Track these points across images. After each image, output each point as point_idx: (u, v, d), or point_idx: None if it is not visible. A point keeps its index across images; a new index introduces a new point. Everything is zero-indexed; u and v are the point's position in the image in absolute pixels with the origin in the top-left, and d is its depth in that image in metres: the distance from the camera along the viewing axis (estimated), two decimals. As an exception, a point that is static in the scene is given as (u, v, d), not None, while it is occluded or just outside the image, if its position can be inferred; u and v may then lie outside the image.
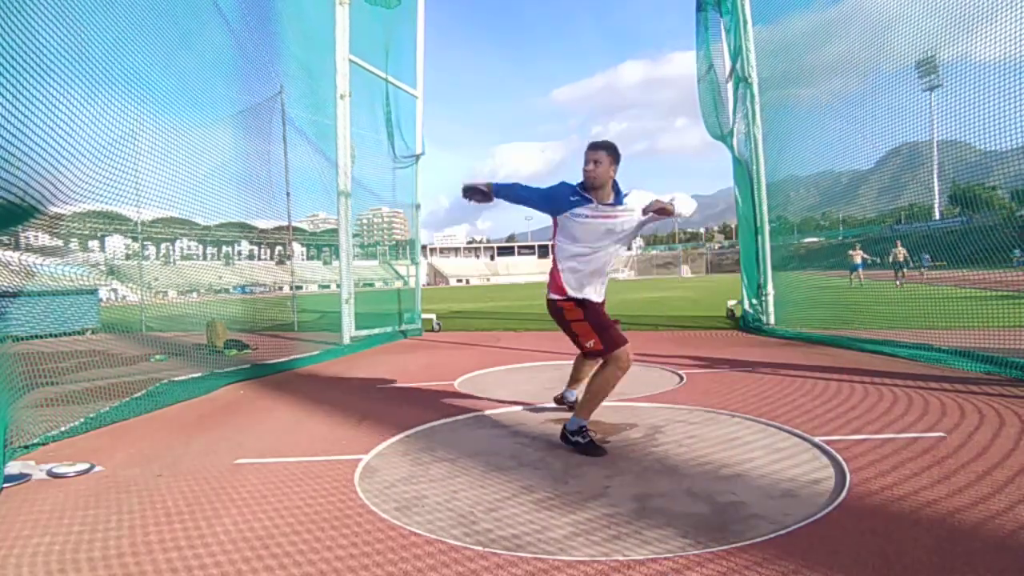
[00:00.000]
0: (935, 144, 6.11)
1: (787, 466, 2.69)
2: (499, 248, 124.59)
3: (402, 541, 2.07)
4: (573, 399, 3.86)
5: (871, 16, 6.27)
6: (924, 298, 6.93)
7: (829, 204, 8.35)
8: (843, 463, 2.64)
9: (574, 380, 3.83)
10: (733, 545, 1.92)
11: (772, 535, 1.97)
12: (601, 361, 3.21)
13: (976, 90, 4.62)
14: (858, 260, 14.18)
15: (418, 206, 9.95)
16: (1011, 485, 2.30)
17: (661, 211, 3.03)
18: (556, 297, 3.19)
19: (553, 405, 4.07)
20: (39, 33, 3.49)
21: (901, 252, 9.95)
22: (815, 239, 9.60)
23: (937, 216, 7.45)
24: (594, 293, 3.18)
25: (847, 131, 6.63)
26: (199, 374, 5.35)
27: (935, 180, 6.38)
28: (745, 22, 7.98)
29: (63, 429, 3.66)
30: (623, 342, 3.09)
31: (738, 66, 8.21)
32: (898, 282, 11.10)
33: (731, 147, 8.78)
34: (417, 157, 9.61)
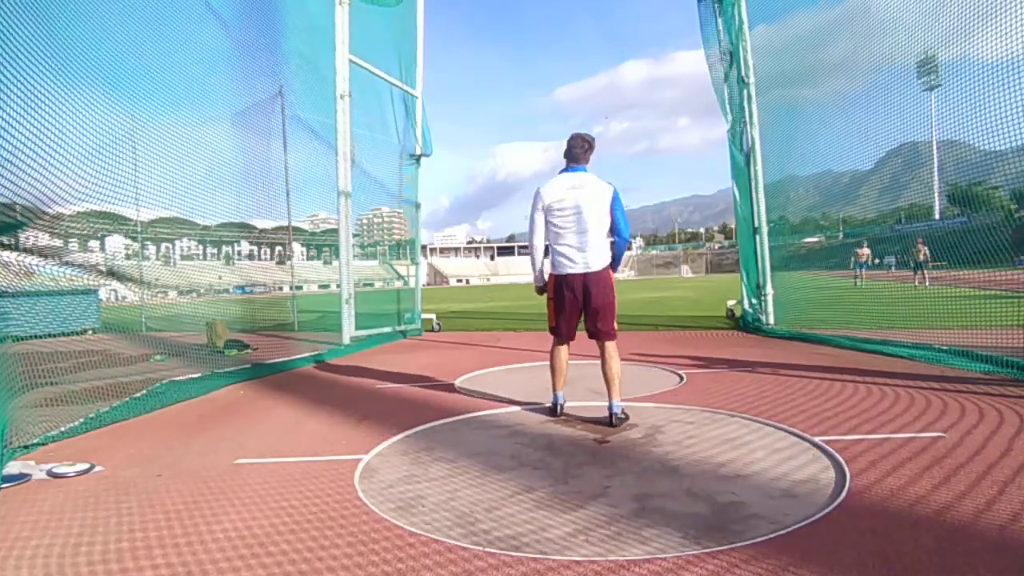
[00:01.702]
0: (935, 144, 6.10)
1: (787, 466, 2.69)
2: (499, 248, 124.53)
3: (401, 541, 2.07)
4: (561, 399, 3.88)
5: (870, 16, 6.27)
6: (924, 298, 6.92)
7: (829, 204, 8.35)
8: (843, 463, 2.64)
9: (563, 381, 3.88)
10: (733, 545, 1.91)
11: (772, 535, 1.97)
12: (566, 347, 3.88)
13: (976, 90, 4.62)
14: (863, 259, 13.83)
15: (418, 206, 9.95)
16: (1011, 485, 2.30)
17: None
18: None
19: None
20: (40, 32, 3.49)
21: (922, 251, 9.63)
22: (815, 239, 9.60)
23: (937, 216, 7.45)
24: None
25: (847, 131, 6.63)
26: (199, 374, 5.35)
27: (935, 180, 6.38)
28: (741, 22, 7.97)
29: (63, 429, 3.66)
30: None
31: (735, 67, 8.21)
32: (917, 283, 10.77)
33: (731, 145, 8.77)
34: (418, 158, 9.61)
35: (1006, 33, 4.19)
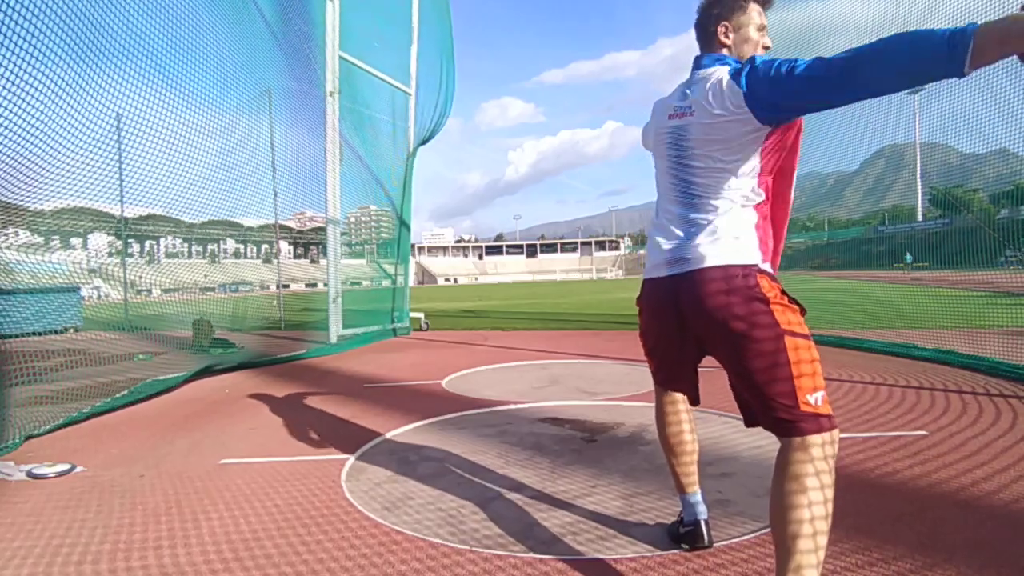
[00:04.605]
0: (917, 146, 6.20)
1: (772, 465, 2.70)
2: (487, 247, 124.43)
3: (388, 540, 2.06)
4: (701, 515, 1.92)
5: (856, 19, 6.35)
6: (909, 297, 7.01)
7: (814, 205, 8.45)
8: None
9: (686, 470, 1.92)
10: (720, 543, 1.93)
11: (757, 533, 1.99)
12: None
13: (958, 93, 4.69)
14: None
15: (408, 203, 9.90)
16: (991, 482, 2.33)
17: None
18: (752, 264, 1.50)
19: (540, 404, 4.07)
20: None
21: None
22: (800, 240, 9.71)
23: (920, 218, 7.56)
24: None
25: (832, 133, 6.71)
26: (183, 373, 5.29)
27: (918, 183, 6.48)
28: None
29: (44, 429, 3.60)
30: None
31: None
32: None
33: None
34: (413, 153, 9.57)
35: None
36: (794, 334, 1.43)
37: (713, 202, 1.53)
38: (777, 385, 1.42)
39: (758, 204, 1.54)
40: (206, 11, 6.02)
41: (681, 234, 1.57)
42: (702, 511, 1.92)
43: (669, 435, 1.91)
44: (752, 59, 1.47)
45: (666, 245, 1.60)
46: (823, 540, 1.34)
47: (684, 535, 1.92)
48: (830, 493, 1.36)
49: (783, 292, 1.49)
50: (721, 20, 1.61)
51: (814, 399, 1.40)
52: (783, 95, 1.37)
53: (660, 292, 1.64)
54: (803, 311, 1.49)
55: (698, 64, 1.62)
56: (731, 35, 1.61)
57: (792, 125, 1.53)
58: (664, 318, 1.67)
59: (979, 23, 1.10)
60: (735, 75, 1.45)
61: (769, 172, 1.54)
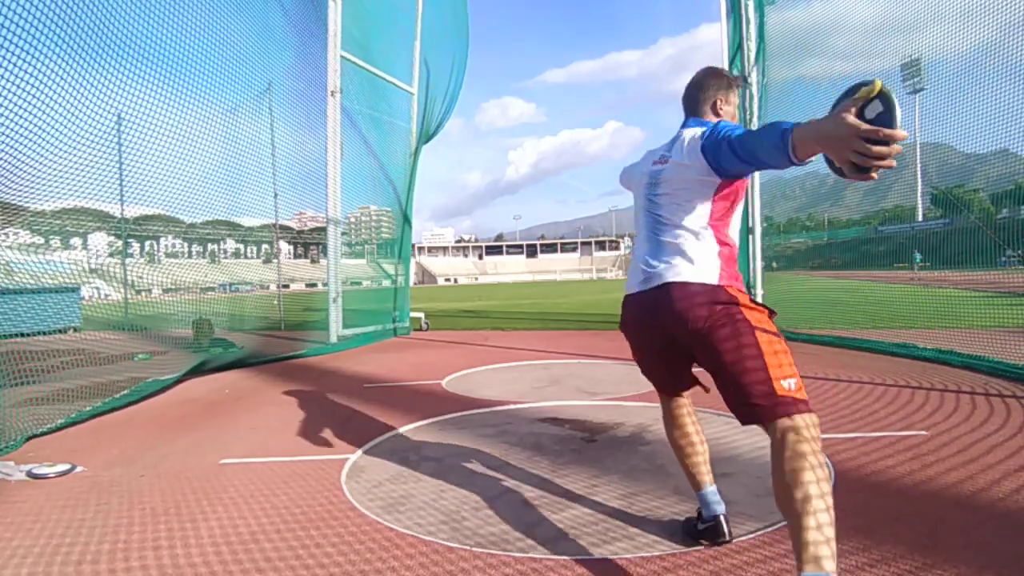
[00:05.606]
0: (917, 146, 6.19)
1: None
2: (487, 247, 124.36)
3: (388, 541, 2.06)
4: (719, 510, 1.96)
5: (859, 19, 6.34)
6: (909, 297, 7.00)
7: (814, 205, 8.44)
8: (827, 461, 2.66)
9: (698, 469, 1.99)
10: (719, 543, 1.93)
11: (757, 533, 1.99)
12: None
13: (959, 93, 4.69)
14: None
15: (411, 204, 9.89)
16: (991, 482, 2.33)
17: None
18: (725, 283, 1.70)
19: (540, 404, 4.07)
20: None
21: None
22: (800, 240, 9.69)
23: (920, 218, 7.56)
24: None
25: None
26: (183, 373, 5.29)
27: (918, 182, 6.47)
28: (748, 21, 7.87)
29: (44, 429, 3.60)
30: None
31: (736, 65, 8.17)
32: None
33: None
34: (416, 151, 9.55)
35: (985, 35, 4.26)
36: (764, 330, 1.64)
37: (678, 231, 1.79)
38: (753, 374, 1.57)
39: (716, 241, 1.77)
40: (207, 6, 6.01)
41: (656, 256, 1.82)
42: (720, 507, 1.95)
43: (677, 436, 2.03)
44: (717, 123, 1.79)
45: (643, 267, 1.84)
46: (827, 514, 1.37)
47: (704, 531, 1.96)
48: (823, 473, 1.42)
49: (752, 299, 1.73)
50: (719, 94, 1.96)
51: (788, 384, 1.54)
52: (717, 156, 1.67)
53: (640, 307, 1.86)
54: (772, 313, 1.73)
55: (685, 124, 1.96)
56: (724, 107, 1.96)
57: (735, 185, 1.77)
58: (648, 333, 1.89)
59: (795, 124, 1.34)
60: (702, 134, 1.76)
61: (718, 219, 1.78)
